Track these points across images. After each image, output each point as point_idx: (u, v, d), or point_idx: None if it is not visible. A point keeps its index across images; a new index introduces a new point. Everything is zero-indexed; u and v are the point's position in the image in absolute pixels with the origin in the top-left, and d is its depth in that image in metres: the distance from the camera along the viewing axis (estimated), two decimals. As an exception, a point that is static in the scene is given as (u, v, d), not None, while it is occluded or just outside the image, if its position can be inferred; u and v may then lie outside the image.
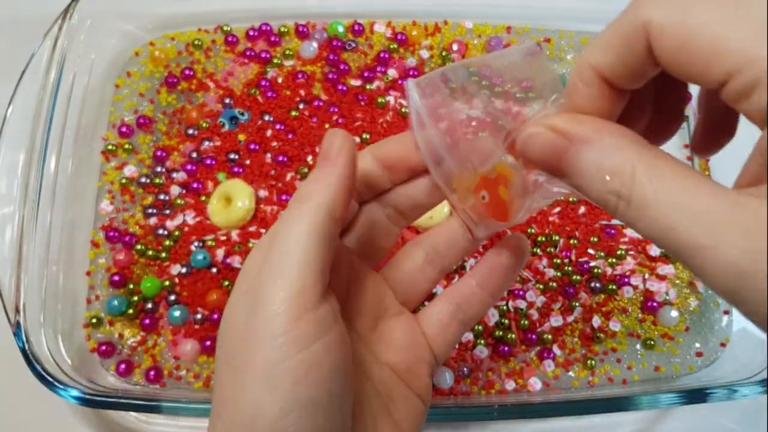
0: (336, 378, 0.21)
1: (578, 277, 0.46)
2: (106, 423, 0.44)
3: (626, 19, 0.17)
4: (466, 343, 0.44)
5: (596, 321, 0.45)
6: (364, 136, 0.50)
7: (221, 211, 0.47)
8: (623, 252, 0.47)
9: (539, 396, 0.43)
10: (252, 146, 0.49)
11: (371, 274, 0.27)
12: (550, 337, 0.45)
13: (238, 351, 0.21)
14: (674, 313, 0.45)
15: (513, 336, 0.44)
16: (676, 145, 0.51)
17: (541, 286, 0.46)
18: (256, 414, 0.20)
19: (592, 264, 0.47)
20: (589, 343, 0.45)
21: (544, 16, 0.54)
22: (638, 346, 0.45)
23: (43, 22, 0.46)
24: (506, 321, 0.45)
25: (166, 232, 0.47)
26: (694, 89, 0.20)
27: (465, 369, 0.43)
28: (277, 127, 0.50)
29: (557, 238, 0.47)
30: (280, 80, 0.52)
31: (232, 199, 0.47)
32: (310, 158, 0.49)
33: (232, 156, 0.49)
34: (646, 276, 0.47)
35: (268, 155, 0.49)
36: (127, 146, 0.49)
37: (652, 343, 0.45)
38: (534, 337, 0.44)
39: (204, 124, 0.50)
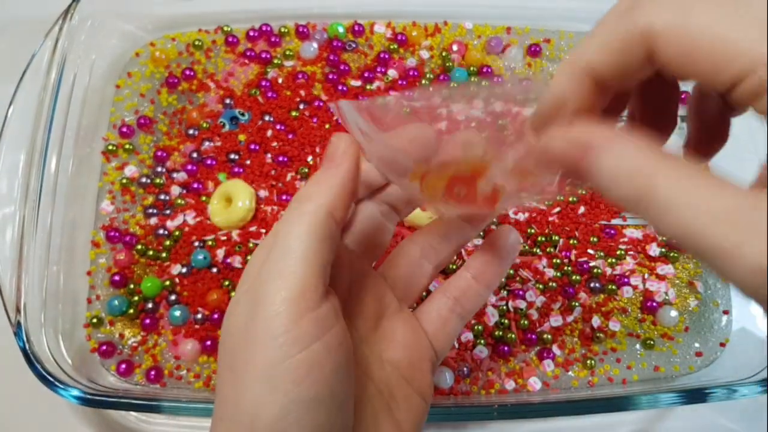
0: (337, 377, 0.21)
1: (578, 277, 0.46)
2: (106, 423, 0.44)
3: (624, 23, 0.17)
4: (466, 343, 0.44)
5: (596, 321, 0.45)
6: (364, 136, 0.50)
7: (222, 211, 0.47)
8: (623, 252, 0.47)
9: (539, 396, 0.43)
10: (252, 146, 0.50)
11: (371, 274, 0.27)
12: (549, 337, 0.45)
13: (238, 351, 0.21)
14: (674, 313, 0.45)
15: (513, 336, 0.45)
16: (676, 144, 0.51)
17: (540, 286, 0.46)
18: (256, 414, 0.20)
19: (592, 264, 0.47)
20: (588, 343, 0.45)
21: (543, 17, 0.54)
22: (638, 346, 0.46)
23: (43, 22, 0.46)
24: (506, 321, 0.45)
25: (166, 232, 0.47)
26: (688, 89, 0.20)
27: (465, 369, 0.43)
28: (278, 127, 0.50)
29: (557, 238, 0.47)
30: (280, 80, 0.52)
31: (233, 199, 0.47)
32: (310, 158, 0.50)
33: (232, 156, 0.49)
34: (646, 276, 0.47)
35: (269, 155, 0.49)
36: (127, 146, 0.50)
37: (652, 342, 0.45)
38: (534, 337, 0.45)
39: (204, 125, 0.50)
